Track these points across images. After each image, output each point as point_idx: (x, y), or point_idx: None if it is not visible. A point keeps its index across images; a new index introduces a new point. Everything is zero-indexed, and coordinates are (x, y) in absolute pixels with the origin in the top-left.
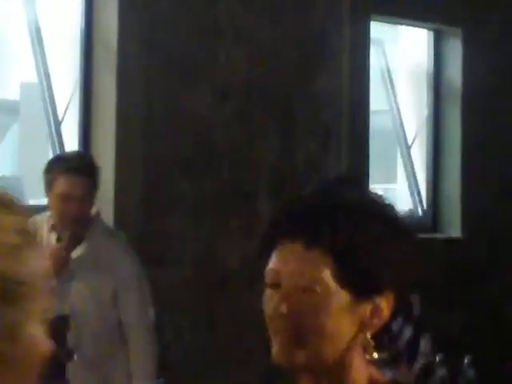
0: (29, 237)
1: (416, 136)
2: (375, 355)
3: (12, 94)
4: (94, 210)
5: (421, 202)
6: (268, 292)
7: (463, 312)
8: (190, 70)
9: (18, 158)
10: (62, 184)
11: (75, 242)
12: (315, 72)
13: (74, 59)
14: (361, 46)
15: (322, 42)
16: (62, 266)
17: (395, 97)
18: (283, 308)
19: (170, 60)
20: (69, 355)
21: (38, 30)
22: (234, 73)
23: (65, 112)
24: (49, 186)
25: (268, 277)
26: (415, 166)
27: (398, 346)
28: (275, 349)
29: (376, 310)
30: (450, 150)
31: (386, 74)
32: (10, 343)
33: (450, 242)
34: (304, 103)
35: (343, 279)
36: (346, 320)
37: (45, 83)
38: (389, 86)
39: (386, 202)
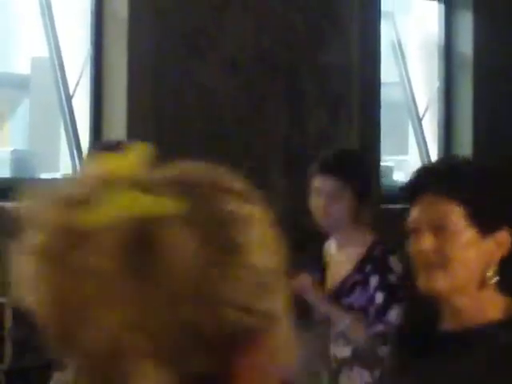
0: None
1: (427, 108)
2: (496, 279)
3: (23, 68)
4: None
5: None
6: (411, 236)
7: None
8: (200, 41)
9: (28, 132)
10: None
11: None
12: (325, 44)
13: (84, 33)
14: (371, 16)
15: (332, 13)
16: None
17: (406, 69)
18: (425, 245)
19: (180, 32)
20: None
21: (48, 4)
22: (244, 44)
23: (76, 86)
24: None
25: (411, 224)
26: (427, 138)
27: None
28: (421, 279)
29: (498, 244)
30: (461, 121)
31: (397, 46)
32: None
33: None
34: (313, 75)
35: (470, 219)
36: (473, 252)
37: (55, 57)
38: (400, 58)
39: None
